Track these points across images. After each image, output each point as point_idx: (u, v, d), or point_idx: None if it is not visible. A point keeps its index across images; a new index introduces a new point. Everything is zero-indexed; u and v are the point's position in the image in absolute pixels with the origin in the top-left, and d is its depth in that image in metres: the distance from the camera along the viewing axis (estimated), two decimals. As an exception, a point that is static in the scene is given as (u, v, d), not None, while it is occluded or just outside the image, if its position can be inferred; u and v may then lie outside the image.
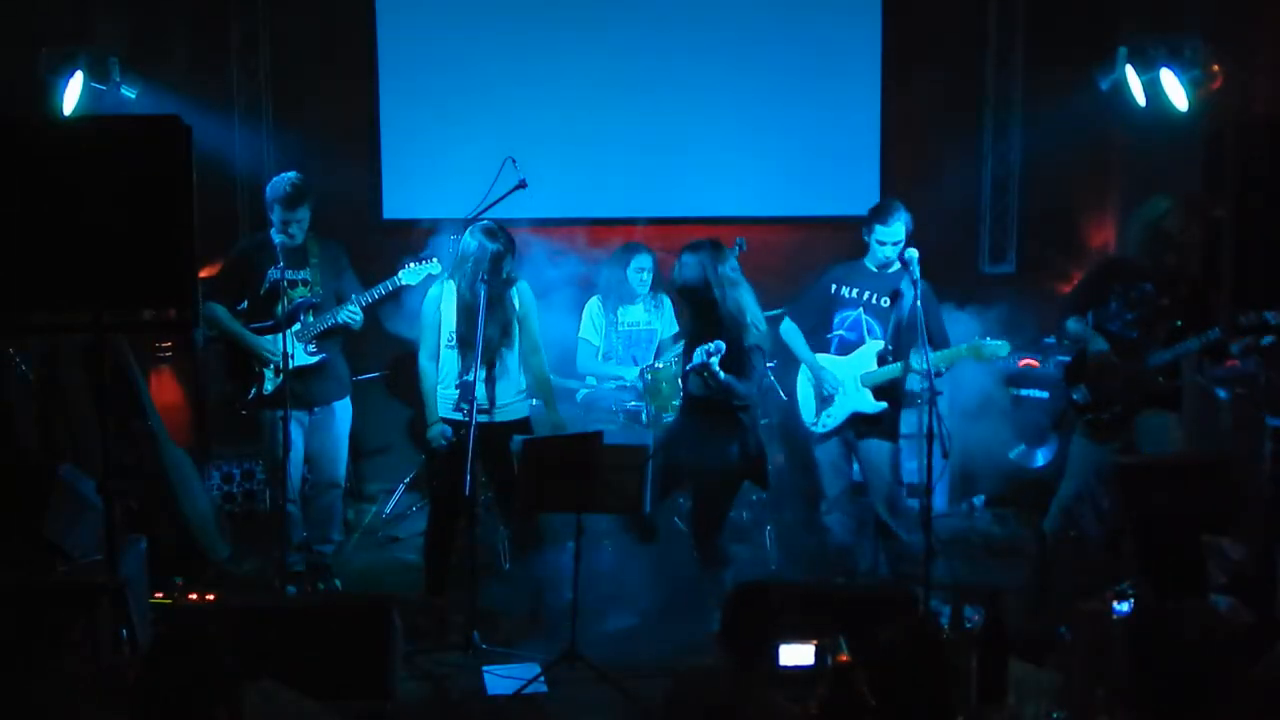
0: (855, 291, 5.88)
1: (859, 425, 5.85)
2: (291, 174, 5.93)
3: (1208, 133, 6.10)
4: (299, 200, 5.84)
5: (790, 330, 5.98)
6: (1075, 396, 5.86)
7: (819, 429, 5.90)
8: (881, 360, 5.77)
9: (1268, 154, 4.17)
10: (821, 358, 5.89)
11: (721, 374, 5.24)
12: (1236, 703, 2.80)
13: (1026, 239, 8.20)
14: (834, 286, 5.91)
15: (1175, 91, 6.40)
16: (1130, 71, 6.54)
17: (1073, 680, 3.42)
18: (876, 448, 5.84)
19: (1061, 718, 3.36)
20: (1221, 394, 6.23)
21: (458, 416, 5.56)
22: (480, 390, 5.49)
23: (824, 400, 5.86)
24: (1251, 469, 5.38)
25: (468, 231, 5.60)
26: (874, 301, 5.85)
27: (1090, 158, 7.88)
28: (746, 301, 5.44)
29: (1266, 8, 6.49)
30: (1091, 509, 5.86)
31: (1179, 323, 5.72)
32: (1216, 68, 6.27)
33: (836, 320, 5.90)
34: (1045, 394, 7.27)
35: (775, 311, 6.90)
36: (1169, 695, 2.84)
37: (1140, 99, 6.58)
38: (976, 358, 5.72)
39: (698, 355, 5.22)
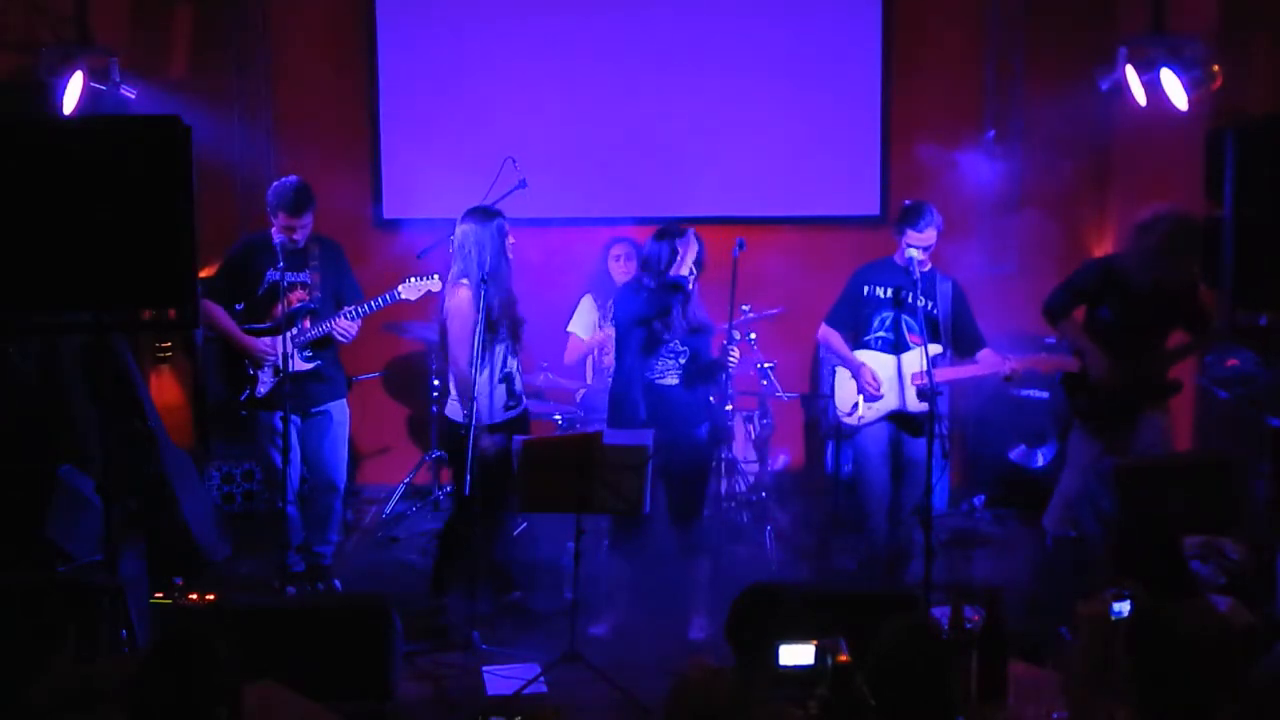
0: (887, 290, 5.82)
1: (907, 423, 5.80)
2: (294, 178, 5.86)
3: (1208, 133, 6.10)
4: (304, 206, 5.77)
5: (827, 333, 5.93)
6: (1077, 403, 5.84)
7: (859, 421, 5.82)
8: (934, 363, 5.71)
9: (1268, 154, 4.18)
10: (865, 354, 5.81)
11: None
12: (1236, 703, 2.80)
13: (1027, 240, 8.18)
14: (866, 288, 5.83)
15: (1175, 91, 6.39)
16: (1130, 71, 6.53)
17: (1073, 680, 3.42)
18: (923, 447, 5.81)
19: (1061, 718, 3.36)
20: (1221, 394, 6.23)
21: (510, 416, 5.55)
22: (518, 381, 5.55)
23: (866, 395, 5.79)
24: (1251, 469, 5.38)
25: (462, 218, 5.47)
26: (908, 299, 5.82)
27: (1090, 158, 7.88)
28: None
29: (1266, 8, 6.48)
30: (1091, 509, 5.86)
31: (1179, 326, 5.72)
32: (1216, 68, 6.26)
33: (875, 322, 5.82)
34: (1045, 394, 7.27)
35: (774, 311, 6.91)
36: (1169, 695, 2.84)
37: (1140, 99, 6.57)
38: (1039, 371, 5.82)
39: (731, 332, 5.56)
